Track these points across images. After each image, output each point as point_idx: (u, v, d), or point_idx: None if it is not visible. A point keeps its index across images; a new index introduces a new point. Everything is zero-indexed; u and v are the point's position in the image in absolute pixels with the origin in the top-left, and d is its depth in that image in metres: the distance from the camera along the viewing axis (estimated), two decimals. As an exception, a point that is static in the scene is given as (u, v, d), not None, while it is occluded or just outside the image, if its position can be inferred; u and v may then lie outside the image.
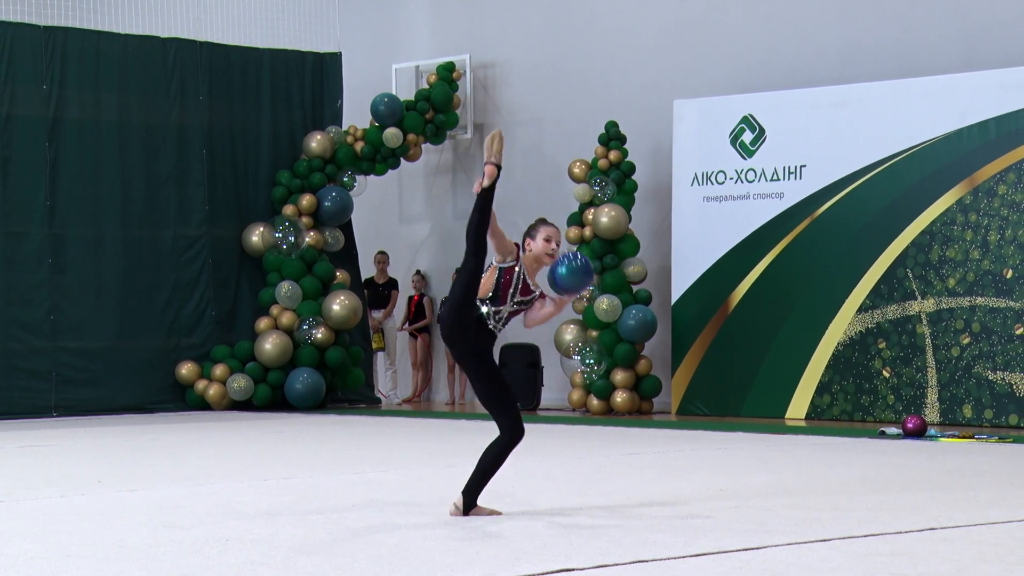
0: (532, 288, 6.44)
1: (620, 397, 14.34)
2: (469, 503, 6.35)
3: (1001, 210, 12.67)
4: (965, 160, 12.82)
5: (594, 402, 14.46)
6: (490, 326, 6.35)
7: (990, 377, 12.61)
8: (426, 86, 16.21)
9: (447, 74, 16.12)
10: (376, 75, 17.03)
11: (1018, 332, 12.49)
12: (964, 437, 11.21)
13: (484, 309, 6.30)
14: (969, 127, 12.82)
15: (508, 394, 6.39)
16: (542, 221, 6.59)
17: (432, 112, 16.00)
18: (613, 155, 14.72)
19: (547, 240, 6.44)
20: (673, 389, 14.31)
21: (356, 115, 16.20)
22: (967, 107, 12.80)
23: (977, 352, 12.70)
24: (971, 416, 12.67)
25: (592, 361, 14.30)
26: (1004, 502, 6.81)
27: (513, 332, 16.36)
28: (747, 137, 14.00)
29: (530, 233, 6.52)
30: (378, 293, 16.59)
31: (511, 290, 6.38)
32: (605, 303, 14.29)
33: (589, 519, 6.25)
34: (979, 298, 12.70)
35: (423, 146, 16.29)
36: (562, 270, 6.23)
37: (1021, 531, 5.83)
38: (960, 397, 12.77)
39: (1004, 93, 12.62)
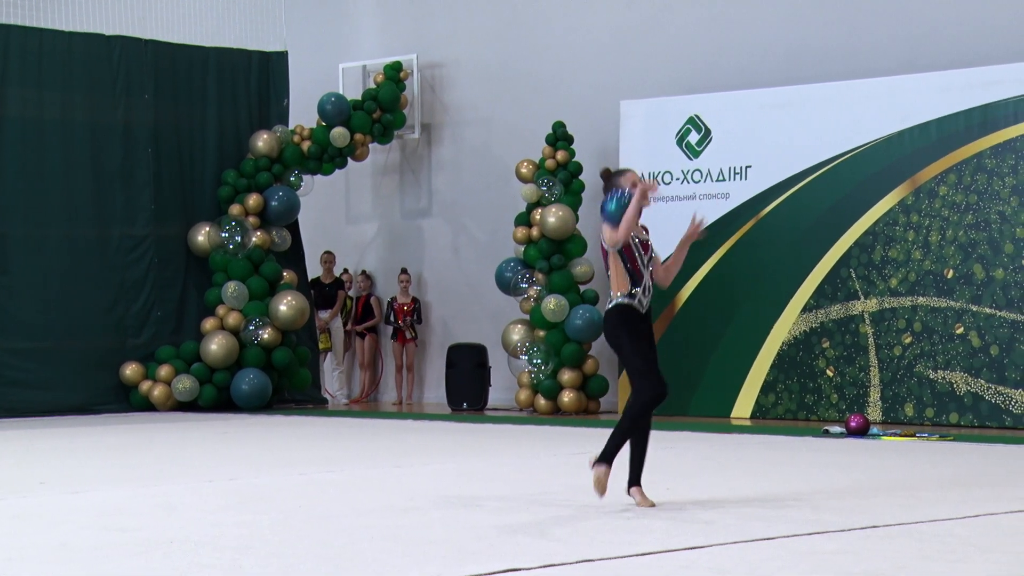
0: (645, 236, 6.61)
1: (567, 397, 14.34)
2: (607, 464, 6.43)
3: (942, 211, 12.81)
4: (907, 161, 12.94)
5: (541, 402, 14.45)
6: (642, 310, 6.49)
7: (931, 376, 12.74)
8: (373, 86, 16.13)
9: (394, 74, 16.05)
10: (323, 74, 16.93)
11: (958, 332, 12.62)
12: (906, 436, 11.30)
13: (629, 300, 6.44)
14: (911, 129, 12.95)
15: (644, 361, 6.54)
16: (618, 173, 6.58)
17: (379, 112, 15.93)
18: (560, 155, 14.74)
19: (634, 185, 6.48)
20: (620, 389, 14.28)
21: (303, 114, 16.10)
22: (909, 109, 12.91)
23: (919, 351, 12.82)
24: (913, 415, 12.79)
25: (539, 361, 14.30)
26: (946, 500, 6.85)
27: (460, 332, 16.41)
28: (693, 138, 14.06)
29: (607, 190, 6.56)
30: (325, 293, 16.51)
31: (638, 256, 6.50)
32: (552, 303, 14.29)
33: (536, 519, 6.23)
34: (920, 298, 12.83)
35: (370, 146, 16.21)
36: (611, 206, 6.44)
37: (963, 529, 5.86)
38: (902, 396, 12.89)
39: (945, 95, 12.75)
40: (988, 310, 12.48)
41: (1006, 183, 12.51)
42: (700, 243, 13.82)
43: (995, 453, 9.82)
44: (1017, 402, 12.29)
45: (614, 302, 6.55)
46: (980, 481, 7.88)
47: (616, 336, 6.54)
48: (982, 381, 12.46)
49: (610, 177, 6.60)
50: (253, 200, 15.48)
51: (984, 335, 12.50)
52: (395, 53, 16.64)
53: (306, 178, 15.97)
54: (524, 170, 14.82)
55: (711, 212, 13.87)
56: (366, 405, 16.35)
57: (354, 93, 16.32)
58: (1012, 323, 12.37)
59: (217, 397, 15.05)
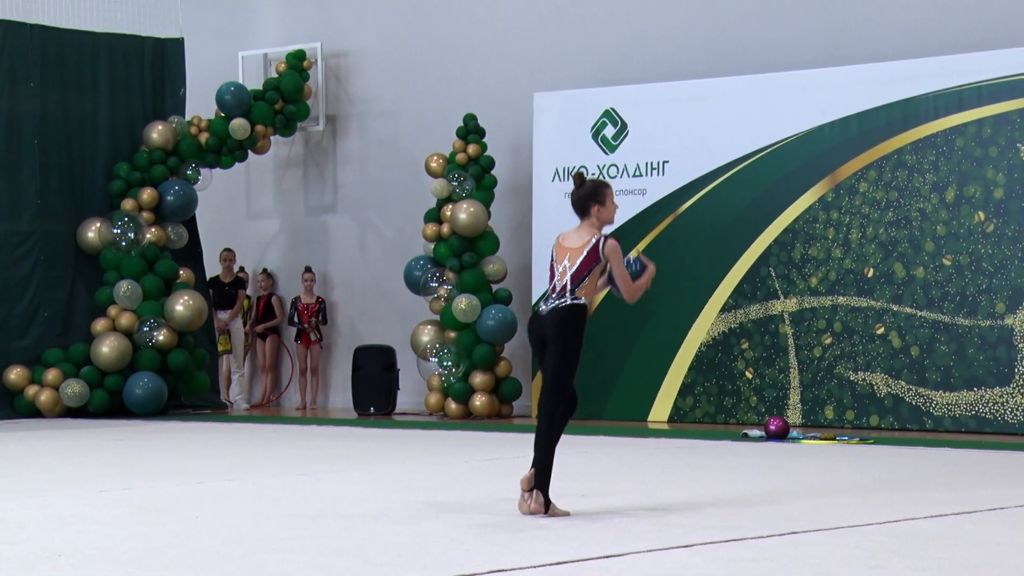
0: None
1: (479, 400, 14.17)
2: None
3: (862, 208, 12.72)
4: (827, 157, 12.93)
5: (452, 406, 14.29)
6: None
7: (851, 378, 12.66)
8: (275, 75, 15.96)
9: (297, 63, 15.87)
10: (222, 63, 16.68)
11: (879, 332, 12.55)
12: (826, 439, 11.39)
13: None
14: (831, 123, 12.92)
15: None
16: (603, 184, 6.80)
17: (282, 102, 15.74)
18: (472, 149, 14.61)
19: (615, 204, 6.81)
20: (534, 392, 14.19)
21: (200, 105, 15.82)
22: (829, 103, 12.91)
23: (839, 352, 12.74)
24: (833, 417, 12.73)
25: (450, 363, 14.14)
26: (865, 505, 6.93)
27: (367, 334, 16.07)
28: (609, 131, 13.93)
29: (600, 199, 6.73)
30: (224, 293, 16.27)
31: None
32: (463, 303, 14.07)
33: (446, 527, 6.16)
34: (841, 297, 12.74)
35: (272, 138, 16.03)
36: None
37: (881, 534, 5.93)
38: (822, 398, 12.79)
39: (865, 89, 12.73)
40: (909, 310, 12.43)
41: (927, 180, 12.44)
42: (618, 240, 13.74)
43: (915, 456, 9.98)
44: (937, 404, 12.25)
45: (583, 301, 6.63)
46: (900, 485, 7.99)
47: (577, 334, 6.61)
48: (903, 383, 12.43)
49: (584, 183, 6.77)
50: (147, 194, 15.14)
51: (905, 335, 12.44)
52: (298, 41, 16.43)
53: (204, 172, 15.72)
54: (434, 164, 14.63)
55: (627, 208, 13.74)
56: (268, 410, 16.18)
57: (255, 83, 16.10)
58: (933, 323, 12.31)
59: (109, 402, 14.72)
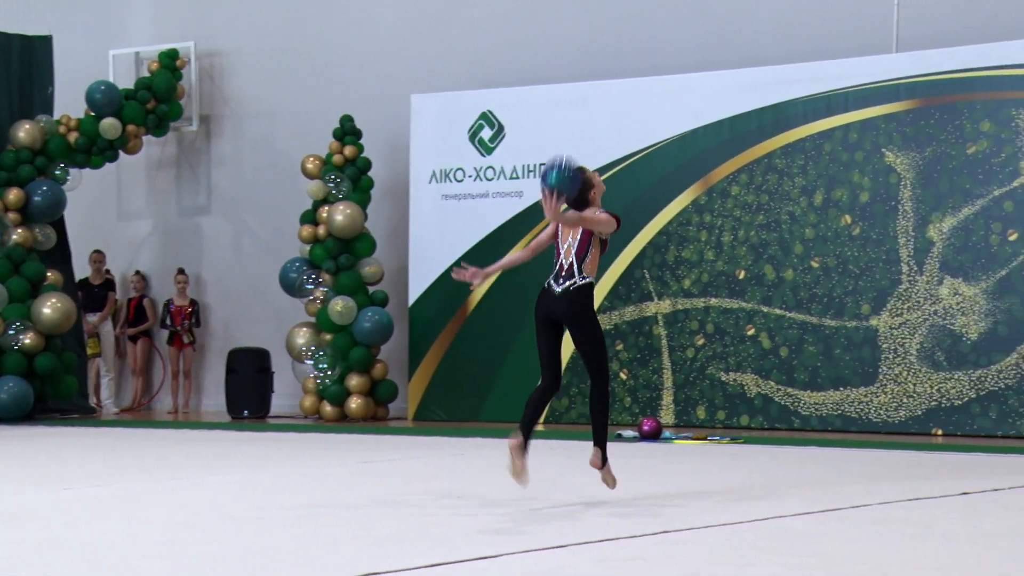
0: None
1: (355, 403, 14.07)
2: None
3: (734, 211, 12.91)
4: (700, 160, 13.07)
5: (327, 408, 14.18)
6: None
7: (723, 378, 12.83)
8: (147, 74, 15.65)
9: (170, 62, 15.58)
10: (92, 61, 16.33)
11: (749, 333, 12.73)
12: (698, 439, 11.50)
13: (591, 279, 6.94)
14: (704, 127, 13.06)
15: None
16: (580, 170, 6.85)
17: (154, 102, 15.44)
18: (348, 150, 14.49)
19: (595, 175, 6.99)
20: (410, 394, 14.15)
21: (70, 104, 15.45)
22: (702, 107, 13.05)
23: (711, 353, 12.89)
24: (704, 417, 12.88)
25: (325, 366, 14.02)
26: (736, 503, 6.98)
27: (242, 336, 15.86)
28: (486, 134, 13.94)
29: (588, 185, 6.85)
30: (94, 295, 15.94)
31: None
32: (340, 305, 13.95)
33: (321, 530, 6.04)
34: (713, 299, 12.91)
35: (144, 138, 15.71)
36: (552, 176, 6.67)
37: (751, 532, 5.94)
38: (694, 399, 12.94)
39: (738, 94, 12.91)
40: (778, 311, 12.64)
41: (796, 183, 12.67)
42: (494, 243, 13.78)
43: (784, 455, 10.06)
44: (805, 404, 12.47)
45: (590, 279, 6.90)
46: (769, 484, 8.05)
47: (592, 312, 6.94)
48: (772, 383, 12.62)
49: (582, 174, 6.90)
50: (13, 195, 14.76)
51: (774, 336, 12.65)
52: (171, 40, 16.15)
53: (73, 172, 15.35)
54: (310, 165, 14.50)
55: (504, 210, 13.79)
56: (139, 414, 15.89)
57: (126, 82, 15.77)
58: (801, 324, 12.54)
59: (-28, 407, 14.26)
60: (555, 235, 6.93)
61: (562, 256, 6.89)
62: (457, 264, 7.41)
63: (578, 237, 6.85)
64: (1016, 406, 11.67)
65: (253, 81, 16.10)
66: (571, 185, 6.65)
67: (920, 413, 12.05)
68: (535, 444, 11.03)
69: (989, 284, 11.86)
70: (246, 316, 16.09)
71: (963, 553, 5.38)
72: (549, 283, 6.91)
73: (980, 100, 11.97)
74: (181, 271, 16.01)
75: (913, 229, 12.19)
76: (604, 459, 6.95)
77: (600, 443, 6.95)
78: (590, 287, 6.90)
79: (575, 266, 6.85)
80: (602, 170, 13.40)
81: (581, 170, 6.79)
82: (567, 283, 6.85)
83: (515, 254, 7.29)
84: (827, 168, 12.57)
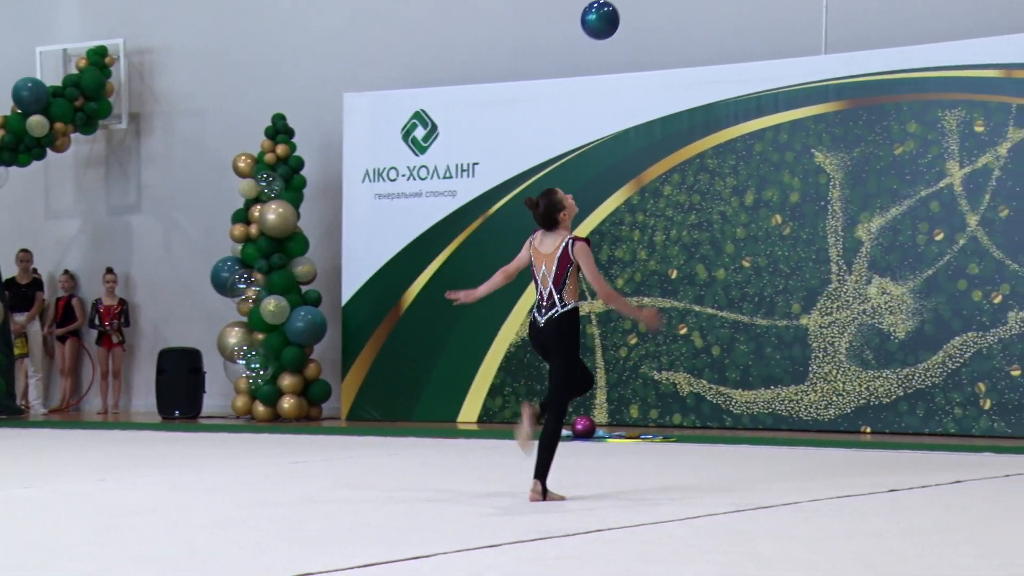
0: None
1: (288, 403, 13.98)
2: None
3: (666, 210, 12.98)
4: (632, 160, 13.12)
5: (260, 409, 14.08)
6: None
7: (655, 377, 12.90)
8: (75, 71, 15.45)
9: (99, 59, 15.39)
10: (18, 58, 16.07)
11: (682, 332, 12.81)
12: (631, 437, 11.54)
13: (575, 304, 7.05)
14: (636, 127, 13.11)
15: None
16: (552, 191, 7.12)
17: (82, 99, 15.23)
18: (280, 149, 14.40)
19: (568, 197, 7.17)
20: (343, 394, 14.09)
21: (-5, 101, 15.18)
22: (634, 107, 13.11)
23: (644, 352, 12.95)
24: (637, 416, 12.93)
25: (258, 365, 13.91)
26: (668, 501, 7.04)
27: (173, 335, 15.70)
28: (419, 133, 13.90)
29: (559, 206, 7.08)
30: (21, 294, 15.70)
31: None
32: (272, 304, 13.87)
33: (252, 532, 6.02)
34: (646, 298, 12.98)
35: (72, 136, 15.50)
36: (591, 16, 6.84)
37: (684, 530, 5.99)
38: (627, 397, 12.99)
39: (669, 94, 12.97)
40: (710, 310, 12.72)
41: (727, 183, 12.77)
42: (428, 242, 13.76)
43: (716, 453, 10.15)
44: (737, 402, 12.56)
45: (572, 305, 7.00)
46: (701, 482, 8.14)
47: (574, 336, 7.01)
48: (704, 381, 12.70)
49: (538, 203, 7.09)
50: None
51: (706, 335, 12.73)
52: (99, 37, 15.93)
53: (0, 170, 15.00)
54: (242, 164, 14.39)
55: (438, 210, 13.75)
56: (68, 415, 15.68)
57: (54, 79, 15.56)
58: (733, 323, 12.63)
59: None
60: (530, 261, 7.09)
61: (540, 285, 7.05)
62: (396, 260, 7.43)
63: (553, 267, 6.97)
64: (943, 404, 11.84)
65: (184, 79, 15.93)
66: (609, 27, 6.81)
67: (849, 411, 12.19)
68: (465, 444, 11.10)
69: (916, 283, 12.02)
70: (177, 316, 15.93)
71: (892, 549, 5.43)
72: (534, 315, 7.08)
73: (907, 101, 12.13)
74: (110, 270, 15.83)
75: (842, 229, 12.33)
76: (544, 492, 6.94)
77: (540, 476, 6.96)
78: (574, 312, 7.00)
79: (554, 295, 6.98)
80: (535, 169, 13.45)
81: (553, 195, 7.02)
82: (549, 312, 7.00)
83: (495, 278, 7.38)
84: (758, 168, 12.67)
